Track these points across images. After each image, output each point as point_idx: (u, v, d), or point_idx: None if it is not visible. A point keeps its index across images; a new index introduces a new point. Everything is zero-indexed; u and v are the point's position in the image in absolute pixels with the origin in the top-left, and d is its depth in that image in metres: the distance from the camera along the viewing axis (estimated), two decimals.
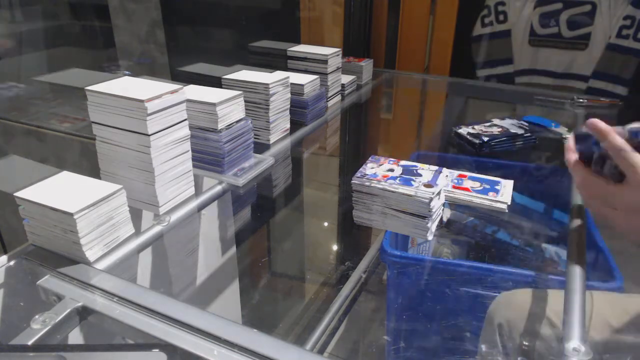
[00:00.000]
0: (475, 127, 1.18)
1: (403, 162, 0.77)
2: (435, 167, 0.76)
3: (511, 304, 0.76)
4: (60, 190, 0.61)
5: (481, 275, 0.83)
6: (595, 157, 0.57)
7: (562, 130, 1.20)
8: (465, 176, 0.84)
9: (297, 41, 1.36)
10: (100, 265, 0.60)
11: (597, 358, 0.48)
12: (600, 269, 0.83)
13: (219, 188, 0.80)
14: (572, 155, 0.60)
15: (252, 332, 0.49)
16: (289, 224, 1.53)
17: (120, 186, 0.62)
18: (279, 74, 0.99)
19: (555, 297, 0.73)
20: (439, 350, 0.86)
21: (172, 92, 0.68)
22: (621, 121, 0.54)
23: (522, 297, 0.76)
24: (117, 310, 0.52)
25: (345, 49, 1.53)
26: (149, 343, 0.49)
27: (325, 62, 1.18)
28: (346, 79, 1.30)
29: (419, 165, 0.76)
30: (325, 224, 1.66)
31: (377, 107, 1.57)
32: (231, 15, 1.33)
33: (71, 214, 0.56)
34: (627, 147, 0.51)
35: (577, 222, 0.71)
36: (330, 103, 1.22)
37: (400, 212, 0.72)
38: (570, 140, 0.61)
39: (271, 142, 0.99)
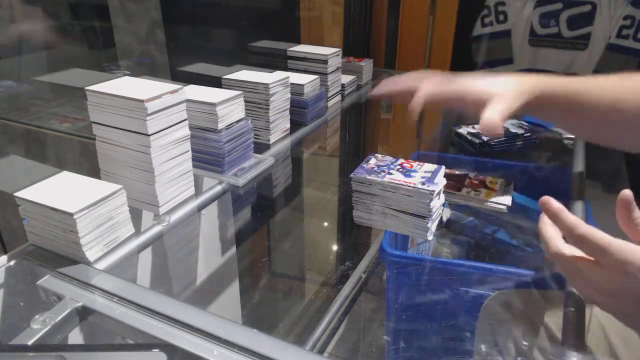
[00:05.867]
0: (475, 126, 1.17)
1: (402, 161, 0.77)
2: (435, 166, 0.76)
3: (505, 304, 0.76)
4: (60, 190, 0.61)
5: (481, 275, 0.83)
6: None
7: (562, 130, 1.20)
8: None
9: (297, 41, 1.36)
10: (100, 265, 0.60)
11: (596, 359, 0.48)
12: None
13: (219, 188, 0.80)
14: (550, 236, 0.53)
15: (252, 332, 0.49)
16: (289, 224, 1.53)
17: (120, 186, 0.62)
18: (279, 74, 0.99)
19: (551, 297, 0.74)
20: (438, 350, 0.86)
21: (172, 92, 0.68)
22: None
23: (518, 296, 0.76)
24: (117, 310, 0.52)
25: (345, 49, 1.53)
26: (149, 343, 0.49)
27: (325, 62, 1.18)
28: (346, 79, 1.30)
29: (419, 164, 0.76)
30: (325, 224, 1.66)
31: (377, 107, 1.57)
32: (231, 15, 1.33)
33: (71, 214, 0.56)
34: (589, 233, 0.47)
35: None
36: (330, 103, 1.22)
37: (400, 212, 0.72)
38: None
39: (271, 142, 0.99)
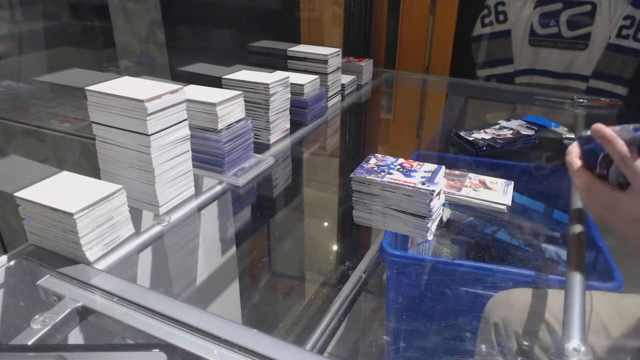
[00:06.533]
0: (487, 130, 1.16)
1: (402, 161, 0.77)
2: (435, 166, 0.76)
3: (507, 304, 0.76)
4: (60, 190, 0.61)
5: (481, 275, 0.83)
6: (600, 159, 0.56)
7: (562, 130, 1.20)
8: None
9: (297, 41, 1.36)
10: (100, 265, 0.60)
11: (596, 358, 0.48)
12: (600, 269, 0.83)
13: (219, 188, 0.80)
14: (575, 159, 0.59)
15: (252, 332, 0.49)
16: (289, 224, 1.53)
17: (120, 186, 0.62)
18: (279, 74, 0.99)
19: (551, 297, 0.74)
20: (438, 350, 0.86)
21: (172, 92, 0.68)
22: (621, 122, 0.54)
23: (519, 296, 0.76)
24: (117, 310, 0.52)
25: (345, 49, 1.53)
26: (149, 343, 0.49)
27: (325, 62, 1.18)
28: (346, 79, 1.30)
29: (419, 164, 0.76)
30: (325, 224, 1.66)
31: (377, 107, 1.57)
32: (231, 15, 1.33)
33: (71, 214, 0.56)
34: (631, 155, 0.51)
35: (577, 222, 0.71)
36: (330, 103, 1.22)
37: (400, 212, 0.72)
38: (573, 145, 0.61)
39: (271, 142, 0.99)
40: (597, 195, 0.56)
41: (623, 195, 0.53)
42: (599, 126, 0.54)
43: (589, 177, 0.57)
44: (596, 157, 0.57)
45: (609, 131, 0.53)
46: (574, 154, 0.60)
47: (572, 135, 1.16)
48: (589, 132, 0.56)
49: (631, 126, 0.53)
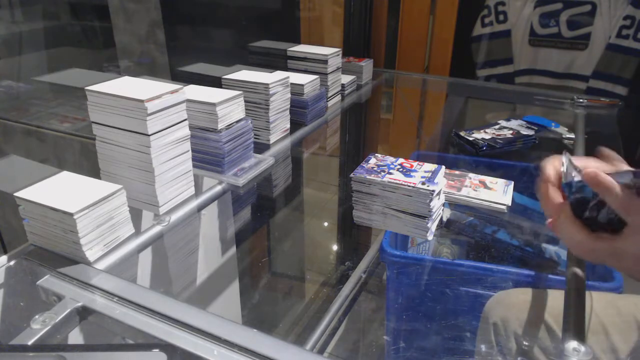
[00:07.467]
0: (487, 130, 1.16)
1: (402, 161, 0.77)
2: (435, 166, 0.76)
3: (506, 303, 0.76)
4: (60, 190, 0.61)
5: (481, 275, 0.83)
6: (591, 205, 0.51)
7: (562, 130, 1.20)
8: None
9: (297, 41, 1.36)
10: (100, 265, 0.60)
11: (596, 359, 0.48)
12: (600, 269, 0.83)
13: (219, 188, 0.80)
14: (555, 200, 0.53)
15: (252, 332, 0.49)
16: (289, 224, 1.53)
17: (120, 186, 0.62)
18: (279, 74, 0.99)
19: (551, 297, 0.73)
20: (438, 350, 0.86)
21: (172, 92, 0.68)
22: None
23: (518, 296, 0.76)
24: (117, 310, 0.52)
25: (345, 49, 1.53)
26: (149, 343, 0.49)
27: (325, 62, 1.18)
28: (346, 79, 1.30)
29: (419, 164, 0.76)
30: (325, 224, 1.66)
31: (377, 107, 1.57)
32: (231, 15, 1.33)
33: (71, 214, 0.56)
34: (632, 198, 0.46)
35: None
36: (330, 103, 1.22)
37: (400, 212, 0.72)
38: (548, 173, 0.54)
39: (271, 142, 0.99)
40: (600, 255, 0.51)
41: (628, 242, 0.48)
42: (593, 175, 0.49)
43: (583, 235, 0.51)
44: (587, 203, 0.51)
45: (607, 179, 0.48)
46: (551, 192, 0.53)
47: (572, 135, 1.16)
48: (577, 177, 0.51)
49: (632, 172, 0.47)
